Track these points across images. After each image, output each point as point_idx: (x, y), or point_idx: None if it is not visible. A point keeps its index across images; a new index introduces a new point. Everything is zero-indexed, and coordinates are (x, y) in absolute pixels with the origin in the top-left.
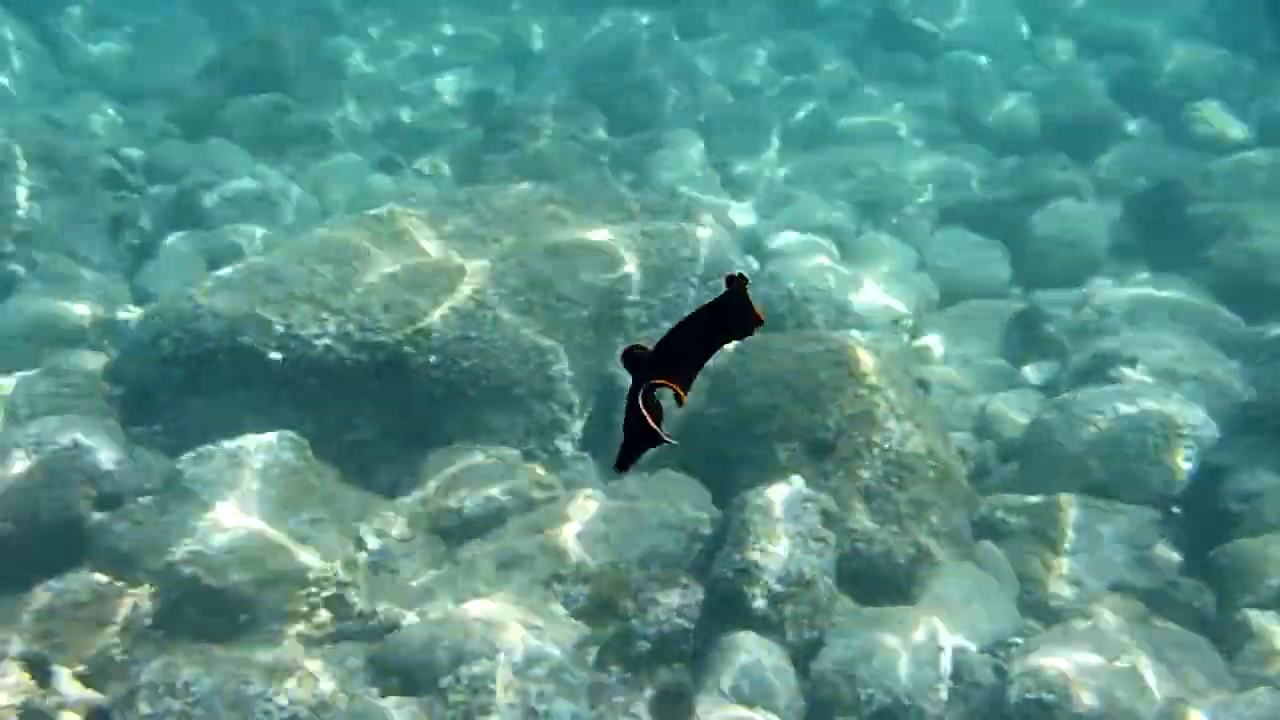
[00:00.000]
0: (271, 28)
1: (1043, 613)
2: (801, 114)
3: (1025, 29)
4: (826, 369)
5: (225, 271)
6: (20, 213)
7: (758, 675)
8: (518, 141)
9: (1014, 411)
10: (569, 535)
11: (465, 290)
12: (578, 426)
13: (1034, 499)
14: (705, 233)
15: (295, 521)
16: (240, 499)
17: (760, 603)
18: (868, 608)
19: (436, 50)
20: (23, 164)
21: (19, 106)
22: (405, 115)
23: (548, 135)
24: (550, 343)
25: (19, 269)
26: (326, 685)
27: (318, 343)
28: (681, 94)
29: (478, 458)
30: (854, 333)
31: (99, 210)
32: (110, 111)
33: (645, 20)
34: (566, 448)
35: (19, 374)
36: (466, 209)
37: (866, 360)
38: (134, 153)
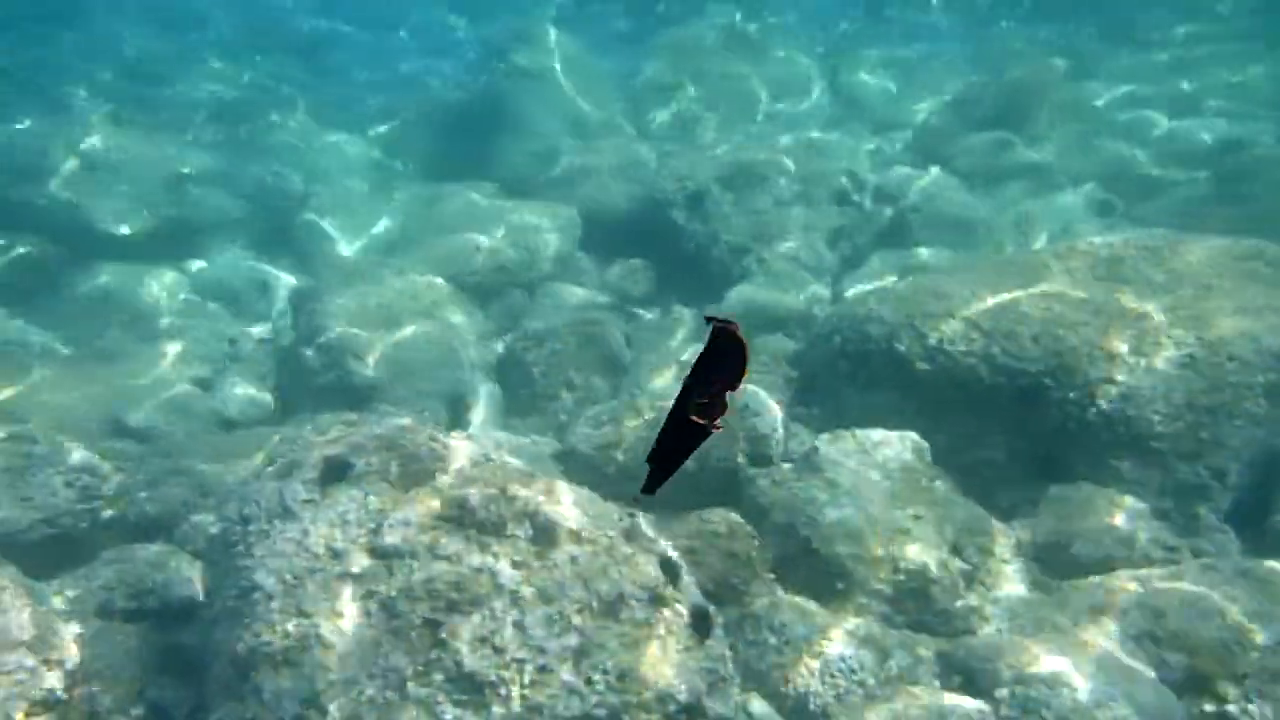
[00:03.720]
0: (1019, 68)
1: None
2: None
3: None
4: None
5: (899, 283)
6: (768, 216)
7: None
8: (1253, 195)
9: None
10: (1174, 599)
11: (1116, 336)
12: (1226, 498)
13: None
14: None
15: (899, 513)
16: (859, 482)
17: None
18: None
19: (1208, 99)
20: (779, 179)
21: (808, 129)
22: (1139, 158)
23: None
24: (1207, 402)
25: (752, 263)
26: (895, 663)
27: (963, 360)
28: None
29: (1100, 502)
30: None
31: (827, 221)
32: (863, 139)
33: None
34: (1208, 516)
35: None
36: (1150, 257)
37: None
38: (868, 176)
